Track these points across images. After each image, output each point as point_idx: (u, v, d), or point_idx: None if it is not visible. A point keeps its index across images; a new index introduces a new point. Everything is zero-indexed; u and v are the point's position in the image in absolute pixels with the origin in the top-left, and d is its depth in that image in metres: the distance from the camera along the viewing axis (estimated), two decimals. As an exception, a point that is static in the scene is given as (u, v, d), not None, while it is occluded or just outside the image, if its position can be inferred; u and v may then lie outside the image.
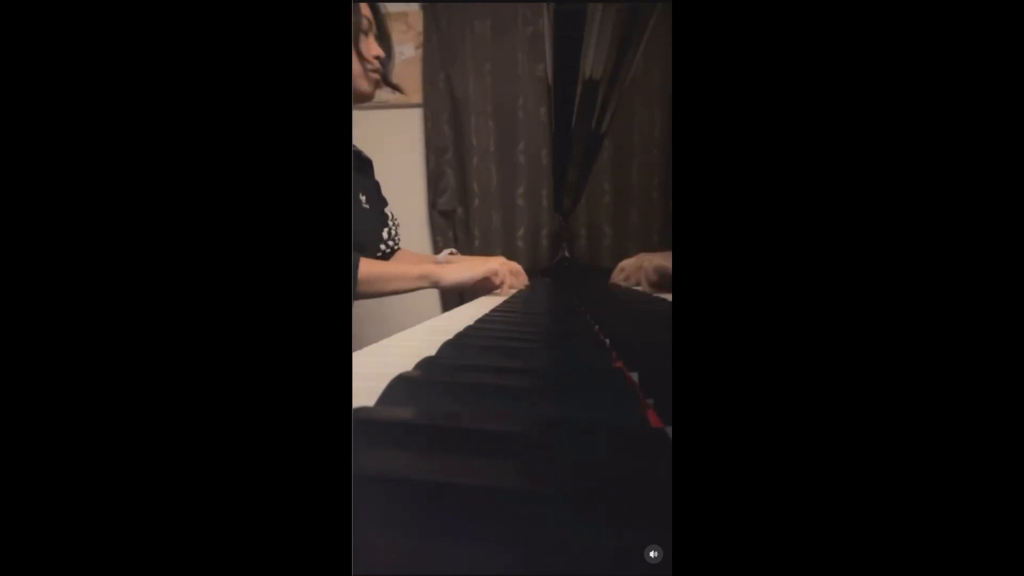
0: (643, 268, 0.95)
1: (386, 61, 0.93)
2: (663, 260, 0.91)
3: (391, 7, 1.57)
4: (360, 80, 0.88)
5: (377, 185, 1.08)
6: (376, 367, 0.28)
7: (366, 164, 1.05)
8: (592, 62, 0.45)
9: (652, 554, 0.10)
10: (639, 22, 0.39)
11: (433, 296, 1.54)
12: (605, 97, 0.51)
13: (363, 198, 0.99)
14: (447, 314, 0.59)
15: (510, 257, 1.09)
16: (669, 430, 0.17)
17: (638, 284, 0.98)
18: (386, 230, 1.05)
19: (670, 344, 0.14)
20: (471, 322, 0.45)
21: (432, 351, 0.31)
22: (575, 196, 1.27)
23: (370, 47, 0.88)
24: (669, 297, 0.70)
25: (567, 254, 1.42)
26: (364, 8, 0.87)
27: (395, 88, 0.96)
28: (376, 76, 0.91)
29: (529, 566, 0.10)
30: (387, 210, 1.07)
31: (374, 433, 0.16)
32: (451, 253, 1.09)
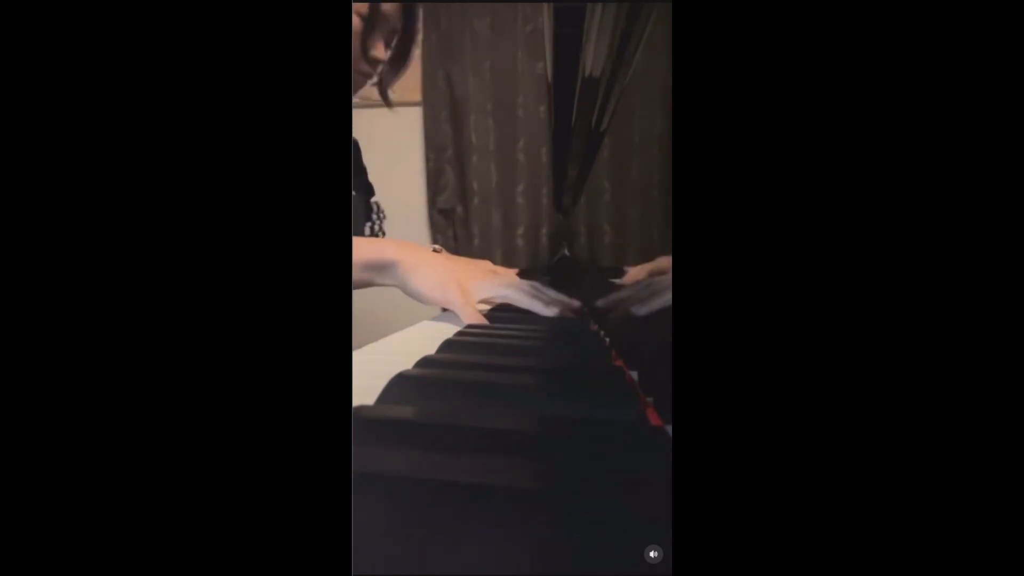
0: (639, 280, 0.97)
1: (388, 69, 0.78)
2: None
3: (391, 5, 1.57)
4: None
5: (363, 170, 0.92)
6: (376, 365, 0.28)
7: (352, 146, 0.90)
8: (592, 60, 0.45)
9: (652, 554, 0.10)
10: (639, 20, 0.39)
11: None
12: (605, 95, 0.51)
13: None
14: (447, 312, 0.58)
15: (510, 255, 1.08)
16: (669, 428, 0.17)
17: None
18: (368, 224, 0.90)
19: (670, 342, 0.14)
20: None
21: (432, 349, 0.31)
22: (575, 194, 1.27)
23: (376, 47, 0.73)
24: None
25: (567, 253, 1.42)
26: (387, 5, 0.72)
27: (386, 102, 0.81)
28: (364, 80, 0.76)
29: (529, 566, 0.10)
30: (373, 200, 0.92)
31: (374, 431, 0.16)
32: (435, 249, 0.97)
